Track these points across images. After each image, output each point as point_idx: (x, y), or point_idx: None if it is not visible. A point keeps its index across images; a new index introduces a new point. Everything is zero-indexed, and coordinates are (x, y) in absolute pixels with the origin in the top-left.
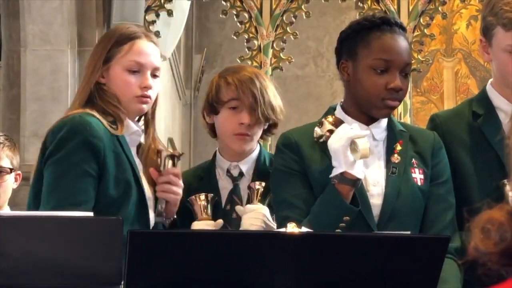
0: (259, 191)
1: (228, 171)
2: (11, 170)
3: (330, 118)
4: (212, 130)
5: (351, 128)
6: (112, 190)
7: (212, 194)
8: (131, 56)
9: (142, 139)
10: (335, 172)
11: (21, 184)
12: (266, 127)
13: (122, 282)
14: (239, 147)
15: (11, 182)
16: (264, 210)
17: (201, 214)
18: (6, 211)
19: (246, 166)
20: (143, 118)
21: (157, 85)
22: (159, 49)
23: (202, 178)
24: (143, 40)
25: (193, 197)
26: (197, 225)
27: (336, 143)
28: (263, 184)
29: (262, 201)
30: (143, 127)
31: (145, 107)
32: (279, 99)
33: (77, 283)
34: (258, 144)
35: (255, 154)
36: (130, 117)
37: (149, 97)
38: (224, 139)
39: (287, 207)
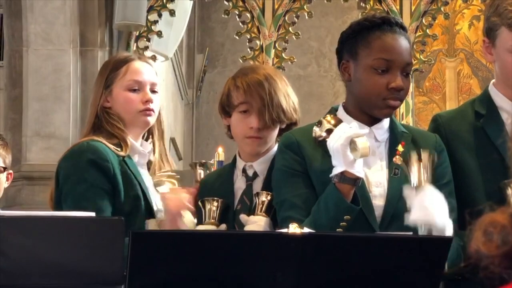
0: (265, 203)
1: (244, 171)
2: (4, 169)
3: (328, 117)
4: (230, 131)
5: (350, 127)
6: (124, 205)
7: (223, 200)
8: (129, 76)
9: (151, 157)
10: (335, 171)
11: (23, 184)
12: (284, 126)
13: (124, 282)
14: (252, 150)
15: (3, 181)
16: (267, 222)
17: (207, 218)
18: None
19: (261, 166)
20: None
21: (158, 100)
22: (153, 68)
23: (222, 179)
24: (137, 61)
25: (205, 199)
26: (199, 228)
27: (335, 142)
28: (270, 196)
29: (267, 212)
30: (151, 147)
31: (150, 120)
32: (294, 98)
33: (78, 283)
34: (277, 143)
35: (271, 153)
36: (137, 135)
37: (152, 110)
38: (238, 141)
39: (288, 207)
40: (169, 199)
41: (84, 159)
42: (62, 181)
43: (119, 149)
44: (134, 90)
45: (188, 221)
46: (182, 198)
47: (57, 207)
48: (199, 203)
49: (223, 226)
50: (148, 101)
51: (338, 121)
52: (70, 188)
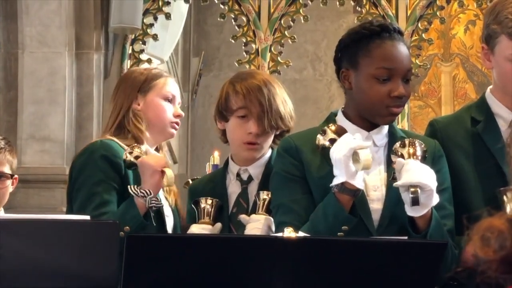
0: (265, 201)
1: (238, 175)
2: (11, 176)
3: (332, 127)
4: (224, 136)
5: (354, 138)
6: None
7: (217, 200)
8: (168, 87)
9: None
10: (336, 181)
11: (18, 187)
12: (278, 132)
13: (119, 286)
14: (249, 155)
15: (9, 187)
16: (269, 220)
17: (202, 217)
18: (1, 214)
19: (256, 170)
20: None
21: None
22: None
23: (214, 183)
24: (172, 78)
25: (199, 199)
26: (194, 227)
27: (338, 153)
28: (270, 195)
29: (268, 211)
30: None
31: (174, 133)
32: (290, 105)
33: (73, 286)
34: (270, 148)
35: (265, 158)
36: (154, 143)
37: (179, 124)
38: (234, 146)
39: (285, 212)
40: (147, 158)
41: (97, 155)
42: (76, 176)
43: None
44: (169, 101)
45: (170, 176)
46: (160, 157)
47: (70, 204)
48: (192, 203)
49: (218, 225)
50: (179, 116)
51: (342, 131)
52: (82, 182)
